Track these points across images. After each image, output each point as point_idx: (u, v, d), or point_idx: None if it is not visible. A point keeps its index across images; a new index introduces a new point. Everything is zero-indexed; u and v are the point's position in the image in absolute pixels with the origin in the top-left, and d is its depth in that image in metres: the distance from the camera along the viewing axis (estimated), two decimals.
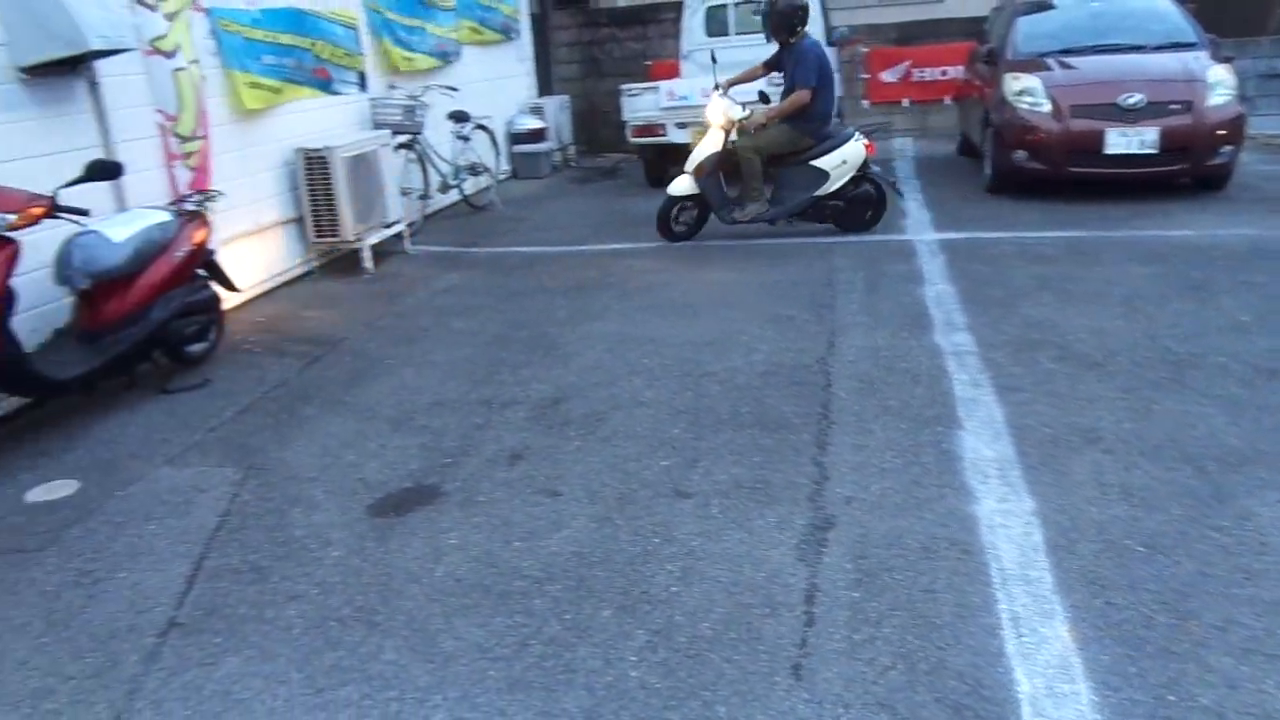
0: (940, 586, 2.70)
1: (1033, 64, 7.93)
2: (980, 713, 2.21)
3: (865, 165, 6.67)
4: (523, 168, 10.74)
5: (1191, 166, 7.32)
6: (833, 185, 6.67)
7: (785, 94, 6.83)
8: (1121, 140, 7.15)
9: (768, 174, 6.85)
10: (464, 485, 3.48)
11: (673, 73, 10.63)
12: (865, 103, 12.14)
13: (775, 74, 7.08)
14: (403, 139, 7.65)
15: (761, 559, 2.89)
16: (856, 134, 6.68)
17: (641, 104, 9.11)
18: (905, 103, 12.06)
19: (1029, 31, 8.42)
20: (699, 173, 6.84)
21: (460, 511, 3.29)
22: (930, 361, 4.38)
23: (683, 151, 9.14)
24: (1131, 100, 7.19)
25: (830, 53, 10.73)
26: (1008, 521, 3.01)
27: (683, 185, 6.95)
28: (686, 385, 4.29)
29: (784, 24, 6.76)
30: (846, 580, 2.76)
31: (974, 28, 10.72)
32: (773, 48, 7.02)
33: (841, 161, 6.60)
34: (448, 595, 2.80)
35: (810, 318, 5.12)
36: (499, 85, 10.51)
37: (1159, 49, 7.82)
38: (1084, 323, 4.75)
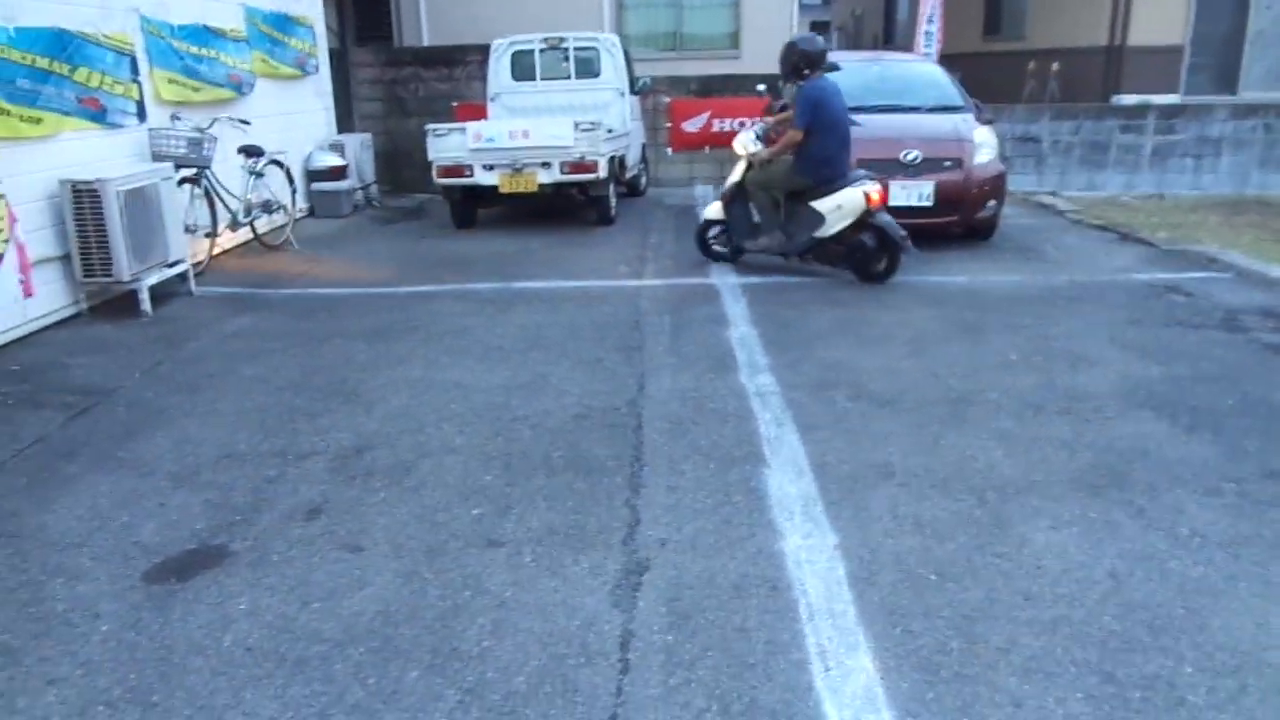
0: (752, 625, 2.73)
1: None
2: None
3: (868, 213, 6.58)
4: (322, 206, 10.32)
5: (962, 218, 7.97)
6: (830, 229, 6.70)
7: None
8: (902, 193, 7.69)
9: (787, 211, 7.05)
10: (255, 544, 3.23)
11: (479, 115, 10.58)
12: (668, 150, 12.52)
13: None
14: (187, 173, 7.17)
15: (576, 607, 2.84)
16: (862, 180, 6.61)
17: (448, 144, 8.97)
18: (706, 150, 12.52)
19: None
20: (725, 199, 7.32)
21: (251, 573, 3.04)
22: (737, 402, 4.49)
23: (490, 193, 9.13)
24: (910, 156, 7.77)
25: (633, 101, 11.08)
26: (813, 556, 3.10)
27: (714, 210, 7.45)
28: (497, 430, 4.19)
29: (782, 68, 7.02)
30: (661, 624, 2.74)
31: (769, 81, 11.28)
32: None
33: (837, 206, 6.63)
34: (236, 666, 2.57)
35: (620, 359, 5.15)
36: (296, 120, 10.09)
37: (932, 110, 8.52)
38: (878, 363, 5.02)
